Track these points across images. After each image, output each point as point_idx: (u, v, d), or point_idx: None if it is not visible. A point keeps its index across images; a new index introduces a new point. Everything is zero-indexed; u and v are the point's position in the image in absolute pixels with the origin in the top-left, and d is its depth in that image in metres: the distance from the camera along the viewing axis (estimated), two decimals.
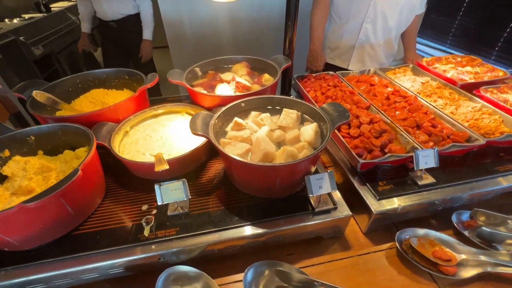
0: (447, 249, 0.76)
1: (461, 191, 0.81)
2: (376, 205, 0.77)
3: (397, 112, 1.02)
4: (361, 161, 0.80)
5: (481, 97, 1.08)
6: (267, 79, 1.15)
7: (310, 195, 0.71)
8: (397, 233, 0.77)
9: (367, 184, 0.82)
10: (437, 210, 0.84)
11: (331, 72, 1.35)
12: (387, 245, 0.80)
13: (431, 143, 0.89)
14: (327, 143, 0.70)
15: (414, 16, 1.77)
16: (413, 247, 0.75)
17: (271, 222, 0.73)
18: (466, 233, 0.79)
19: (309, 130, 0.80)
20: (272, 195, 0.78)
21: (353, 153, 0.83)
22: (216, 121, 0.82)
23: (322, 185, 0.72)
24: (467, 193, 0.80)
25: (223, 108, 0.87)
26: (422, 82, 1.24)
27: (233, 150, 0.75)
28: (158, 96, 1.54)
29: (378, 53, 1.83)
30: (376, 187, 0.81)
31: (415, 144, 0.86)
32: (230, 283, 0.71)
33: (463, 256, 0.73)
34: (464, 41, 4.16)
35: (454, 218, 0.81)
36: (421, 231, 0.79)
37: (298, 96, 1.29)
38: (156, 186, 0.70)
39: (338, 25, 1.74)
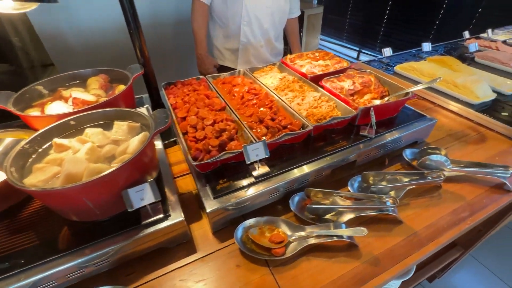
0: (283, 232, 0.82)
1: (292, 175, 0.89)
2: (211, 204, 0.78)
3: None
4: (194, 163, 0.81)
5: (323, 87, 1.22)
6: (121, 91, 1.09)
7: (130, 209, 0.68)
8: (235, 229, 0.80)
9: (208, 184, 0.84)
10: (280, 196, 0.90)
11: (201, 76, 1.36)
12: (232, 240, 0.82)
13: (269, 135, 0.96)
14: (138, 153, 0.69)
15: (286, 19, 1.92)
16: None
17: (92, 247, 0.68)
18: (299, 214, 0.87)
19: (135, 141, 0.77)
20: (96, 217, 0.73)
21: (188, 156, 0.83)
22: (27, 146, 0.73)
23: (144, 197, 0.70)
24: (296, 176, 0.89)
25: (41, 130, 0.78)
26: (280, 78, 1.34)
27: (39, 176, 0.68)
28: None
29: (261, 53, 1.95)
30: (215, 186, 0.84)
31: (252, 138, 0.91)
32: None
33: (293, 236, 0.80)
34: (356, 37, 4.77)
35: (291, 201, 0.88)
36: (262, 219, 0.84)
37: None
38: None
39: (222, 29, 1.80)
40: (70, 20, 2.32)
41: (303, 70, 1.39)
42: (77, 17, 2.34)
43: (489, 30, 2.26)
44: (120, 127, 0.83)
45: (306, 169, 0.91)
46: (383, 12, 4.01)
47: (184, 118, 1.02)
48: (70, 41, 2.40)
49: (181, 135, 0.93)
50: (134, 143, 0.77)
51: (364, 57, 4.69)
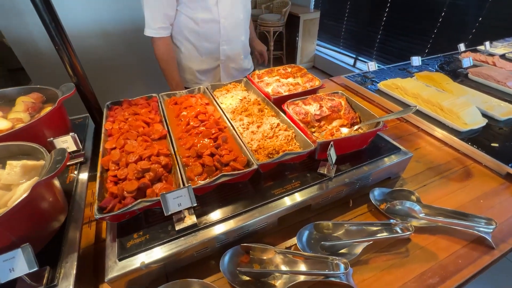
0: None
1: (226, 227, 0.74)
2: (113, 269, 0.64)
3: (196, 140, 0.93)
4: (97, 216, 0.66)
5: (285, 112, 1.07)
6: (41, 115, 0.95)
7: None
8: None
9: (118, 239, 0.69)
10: (214, 251, 0.75)
11: (154, 94, 1.22)
12: None
13: (204, 175, 0.81)
14: (16, 207, 0.54)
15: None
16: None
17: None
18: (229, 277, 0.71)
19: (21, 189, 0.63)
20: None
21: (95, 206, 0.69)
22: None
23: (15, 267, 0.55)
24: (232, 228, 0.73)
25: None
26: (240, 99, 1.19)
27: None
28: None
29: (242, 63, 1.79)
30: (127, 242, 0.69)
31: (180, 180, 0.77)
32: None
33: None
34: (352, 43, 4.61)
35: (221, 260, 0.73)
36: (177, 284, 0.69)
37: None
38: None
39: (196, 51, 1.60)
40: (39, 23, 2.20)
41: (269, 89, 1.24)
42: None
43: (487, 43, 2.09)
44: (13, 168, 0.68)
45: (245, 219, 0.76)
46: (380, 18, 3.85)
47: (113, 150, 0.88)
48: (41, 46, 2.28)
49: (98, 173, 0.79)
50: (20, 191, 0.63)
51: (361, 65, 4.52)
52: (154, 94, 1.22)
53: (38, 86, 1.07)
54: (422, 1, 3.28)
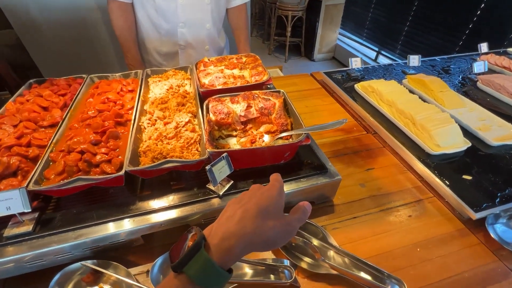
0: None
1: (71, 239, 0.63)
2: None
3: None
4: None
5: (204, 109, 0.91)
6: None
7: None
8: None
9: None
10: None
11: (84, 75, 1.13)
12: None
13: (64, 175, 0.70)
14: None
15: (224, 11, 1.55)
16: None
17: None
18: None
19: None
20: None
21: None
22: None
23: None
24: (82, 240, 0.63)
25: None
26: (167, 89, 1.05)
27: None
28: None
29: (208, 55, 1.62)
30: None
31: (28, 180, 0.67)
32: None
33: None
34: (376, 35, 4.14)
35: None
36: None
37: None
38: None
39: (155, 29, 1.46)
40: None
41: (206, 80, 1.08)
42: None
43: None
44: None
45: (100, 230, 0.65)
46: (410, 8, 3.37)
47: None
48: (34, 16, 2.29)
49: None
50: None
51: (383, 60, 4.07)
52: (84, 75, 1.13)
53: None
54: None
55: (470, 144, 0.98)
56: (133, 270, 0.68)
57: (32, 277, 0.65)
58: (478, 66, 1.45)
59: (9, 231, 0.63)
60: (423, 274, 0.68)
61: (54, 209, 0.70)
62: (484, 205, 0.79)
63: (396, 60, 2.69)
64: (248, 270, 0.67)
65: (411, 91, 1.25)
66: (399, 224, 0.81)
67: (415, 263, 0.71)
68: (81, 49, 2.35)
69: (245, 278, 0.65)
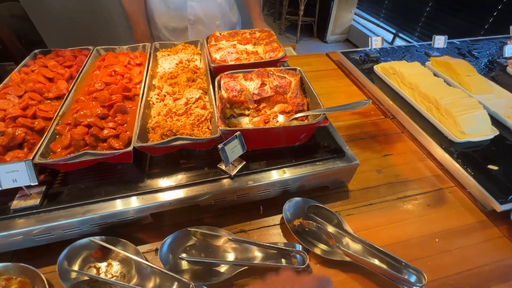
0: None
1: (79, 215, 0.62)
2: None
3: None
4: None
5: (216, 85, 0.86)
6: None
7: None
8: None
9: None
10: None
11: (90, 47, 1.08)
12: None
13: (71, 149, 0.68)
14: None
15: None
16: None
17: None
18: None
19: None
20: None
21: None
22: None
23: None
24: (82, 218, 0.61)
25: None
26: (176, 63, 1.00)
27: None
28: None
29: (215, 27, 1.54)
30: None
31: (34, 152, 0.64)
32: None
33: None
34: (395, 15, 3.91)
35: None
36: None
37: None
38: None
39: (164, 3, 1.38)
40: None
41: (217, 55, 1.02)
42: None
43: None
44: None
45: (106, 207, 0.63)
46: None
47: None
48: None
49: None
50: None
51: (400, 43, 3.86)
52: (90, 47, 1.08)
53: None
54: None
55: (497, 133, 0.92)
56: (142, 248, 0.67)
57: (40, 250, 0.64)
58: (509, 50, 1.34)
59: (16, 204, 0.61)
60: (442, 265, 0.65)
61: (62, 184, 0.68)
62: (510, 197, 0.74)
63: (413, 43, 2.55)
64: (258, 254, 0.65)
65: (435, 74, 1.17)
66: (417, 213, 0.77)
67: (433, 254, 0.68)
68: (89, 21, 2.27)
69: (256, 262, 0.63)
